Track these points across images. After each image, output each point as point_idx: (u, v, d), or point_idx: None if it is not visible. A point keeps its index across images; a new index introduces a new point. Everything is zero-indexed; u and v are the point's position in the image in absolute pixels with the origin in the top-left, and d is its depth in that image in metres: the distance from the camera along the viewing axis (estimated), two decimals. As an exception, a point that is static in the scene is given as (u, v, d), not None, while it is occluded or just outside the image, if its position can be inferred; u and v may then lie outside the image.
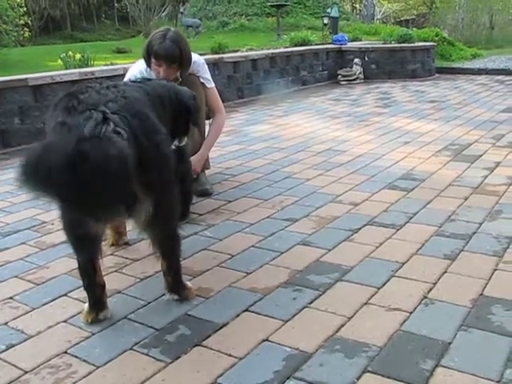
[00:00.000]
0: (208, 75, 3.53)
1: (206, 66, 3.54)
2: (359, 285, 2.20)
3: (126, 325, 1.97)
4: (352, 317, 1.96)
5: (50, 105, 1.98)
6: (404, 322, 1.91)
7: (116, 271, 2.41)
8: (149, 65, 3.19)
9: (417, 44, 10.53)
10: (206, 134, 3.54)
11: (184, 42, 3.16)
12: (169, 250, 2.07)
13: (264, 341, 1.83)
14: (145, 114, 1.85)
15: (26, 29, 11.76)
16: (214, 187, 3.58)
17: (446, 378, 1.61)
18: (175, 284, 2.12)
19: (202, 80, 3.46)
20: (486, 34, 20.03)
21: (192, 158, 3.41)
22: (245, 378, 1.65)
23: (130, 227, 2.66)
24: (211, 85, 3.56)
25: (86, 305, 2.03)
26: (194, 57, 3.36)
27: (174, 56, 3.07)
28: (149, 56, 3.14)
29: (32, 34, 14.89)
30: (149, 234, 2.02)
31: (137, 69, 3.35)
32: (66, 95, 1.86)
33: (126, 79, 3.31)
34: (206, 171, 3.64)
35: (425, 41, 11.51)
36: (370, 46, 10.52)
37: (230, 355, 1.76)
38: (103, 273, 2.26)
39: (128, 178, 1.54)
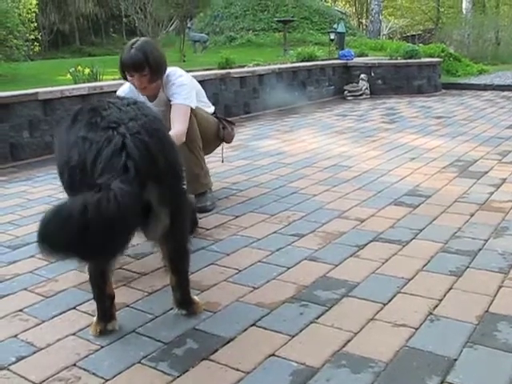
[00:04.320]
0: (183, 90, 3.26)
1: (186, 83, 3.31)
2: (365, 300, 2.21)
3: (134, 338, 1.99)
4: (358, 332, 1.98)
5: (66, 116, 2.05)
6: (410, 338, 1.92)
7: (124, 285, 2.44)
8: (125, 78, 3.21)
9: (423, 60, 10.57)
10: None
11: (152, 48, 3.12)
12: (180, 264, 2.10)
13: (271, 355, 1.85)
14: (162, 131, 1.95)
15: (36, 43, 11.85)
16: (221, 202, 3.61)
17: (451, 395, 1.62)
18: (184, 299, 2.15)
19: (170, 98, 3.26)
20: (492, 49, 20.04)
21: None
22: (252, 392, 1.66)
23: (142, 240, 2.70)
24: (182, 101, 3.25)
25: (95, 318, 2.06)
26: (175, 73, 3.29)
27: (139, 63, 3.06)
28: (122, 69, 3.18)
29: (41, 48, 15.03)
30: (162, 248, 2.05)
31: (126, 84, 3.38)
32: (89, 110, 1.93)
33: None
34: (212, 187, 3.64)
35: (431, 56, 11.57)
36: (376, 61, 10.58)
37: (237, 369, 1.77)
38: (112, 286, 2.30)
39: (128, 225, 1.65)
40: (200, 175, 3.48)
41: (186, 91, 3.29)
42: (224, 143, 3.84)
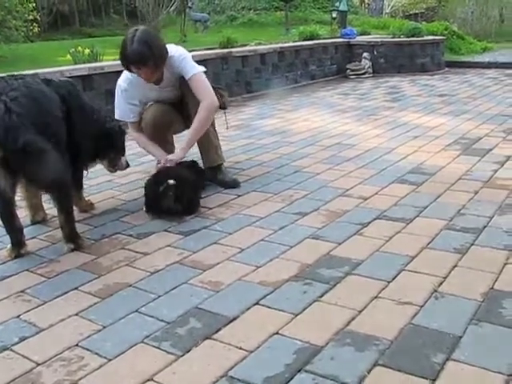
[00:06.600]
0: (187, 63, 3.30)
1: (185, 54, 3.34)
2: (369, 278, 2.20)
3: (137, 318, 1.98)
4: (362, 310, 1.96)
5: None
6: (414, 315, 1.91)
7: (126, 265, 2.42)
8: (129, 69, 3.20)
9: (426, 38, 10.45)
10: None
11: (153, 38, 3.13)
12: (62, 205, 2.61)
13: (274, 334, 1.84)
14: (38, 98, 2.43)
15: (35, 24, 11.71)
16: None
17: (456, 372, 1.61)
18: (71, 234, 2.62)
19: (182, 74, 3.29)
20: (496, 27, 19.83)
21: (171, 156, 3.35)
22: (256, 371, 1.65)
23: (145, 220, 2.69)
24: (192, 72, 3.30)
25: (9, 245, 2.55)
26: (171, 50, 3.28)
27: (144, 57, 3.05)
28: (126, 64, 3.15)
29: (41, 29, 14.87)
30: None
31: (124, 74, 3.35)
32: None
33: (119, 82, 3.37)
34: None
35: (434, 35, 11.43)
36: (378, 39, 10.47)
37: (240, 348, 1.77)
38: (114, 266, 2.34)
39: None
40: (218, 146, 3.57)
41: (189, 61, 3.32)
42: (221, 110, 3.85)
